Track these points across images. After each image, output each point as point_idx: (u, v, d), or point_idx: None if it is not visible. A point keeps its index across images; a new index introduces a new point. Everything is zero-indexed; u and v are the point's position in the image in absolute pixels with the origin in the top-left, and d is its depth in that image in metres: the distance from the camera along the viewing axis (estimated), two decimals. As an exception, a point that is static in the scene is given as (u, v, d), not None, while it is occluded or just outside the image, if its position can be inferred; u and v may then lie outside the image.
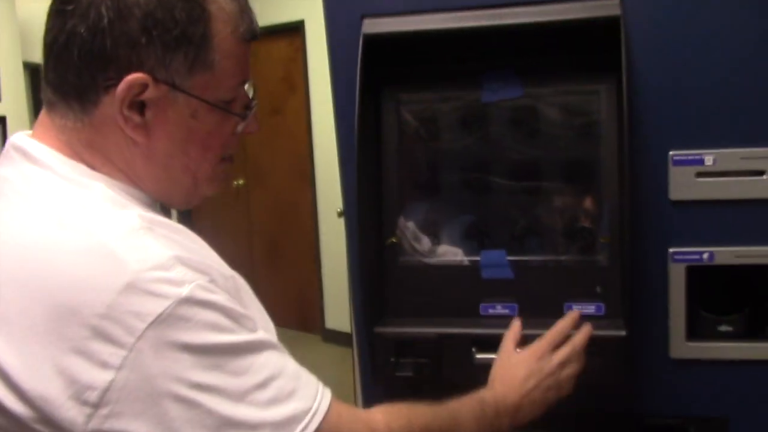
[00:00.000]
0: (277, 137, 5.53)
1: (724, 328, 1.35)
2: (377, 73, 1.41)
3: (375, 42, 1.37)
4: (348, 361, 3.38)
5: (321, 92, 5.04)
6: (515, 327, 1.31)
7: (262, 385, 0.83)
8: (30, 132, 0.92)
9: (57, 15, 0.84)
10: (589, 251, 1.40)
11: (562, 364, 1.24)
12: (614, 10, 1.28)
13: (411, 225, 1.47)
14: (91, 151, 0.88)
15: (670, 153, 1.31)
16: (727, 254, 1.31)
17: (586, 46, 1.36)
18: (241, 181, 5.78)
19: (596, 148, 1.39)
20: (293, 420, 0.84)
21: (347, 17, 1.41)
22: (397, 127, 1.46)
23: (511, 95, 1.41)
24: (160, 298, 0.77)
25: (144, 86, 0.84)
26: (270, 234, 5.73)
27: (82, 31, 0.82)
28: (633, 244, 1.29)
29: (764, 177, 1.28)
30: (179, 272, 0.80)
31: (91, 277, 0.78)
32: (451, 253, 1.46)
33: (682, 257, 1.33)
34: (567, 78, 1.41)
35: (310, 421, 0.85)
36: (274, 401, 0.83)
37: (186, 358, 0.78)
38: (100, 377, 0.76)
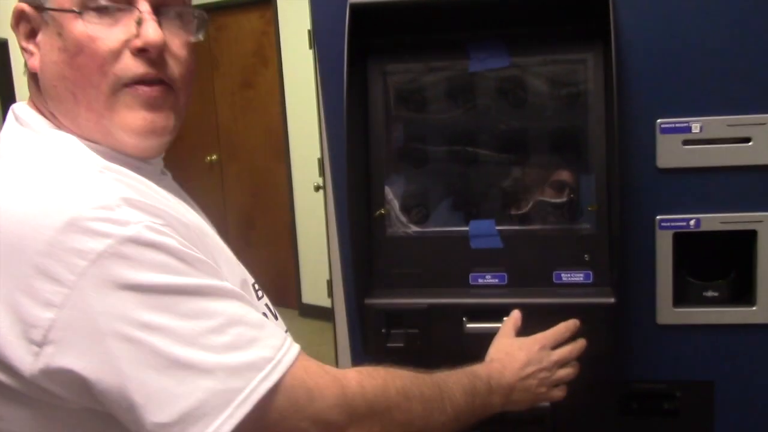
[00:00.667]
0: (249, 112, 5.48)
1: (709, 293, 1.37)
2: (363, 44, 1.39)
3: (361, 12, 1.36)
4: (326, 334, 3.39)
5: (294, 66, 4.99)
6: (515, 315, 1.31)
7: (217, 330, 0.81)
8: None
9: None
10: (576, 220, 1.41)
11: (559, 363, 1.25)
12: (602, -22, 1.28)
13: (398, 197, 1.47)
14: (54, 107, 0.94)
15: (658, 121, 1.32)
16: (712, 220, 1.33)
17: (572, 15, 1.36)
18: (214, 157, 5.73)
19: (583, 117, 1.39)
20: (251, 367, 0.81)
21: (332, -13, 1.39)
22: (384, 98, 1.45)
23: (498, 65, 1.41)
24: (102, 236, 0.77)
25: (22, 12, 0.93)
26: (245, 210, 5.69)
27: None
28: (621, 212, 1.30)
29: (750, 144, 1.30)
30: (124, 212, 0.80)
31: (34, 216, 0.78)
32: (439, 224, 1.46)
33: (669, 224, 1.34)
34: (554, 47, 1.40)
35: (271, 372, 0.82)
36: (231, 347, 0.81)
37: (130, 297, 0.77)
38: (44, 315, 0.76)
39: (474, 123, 1.45)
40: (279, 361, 0.83)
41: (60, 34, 0.90)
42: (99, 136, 0.92)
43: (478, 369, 1.17)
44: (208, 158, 5.72)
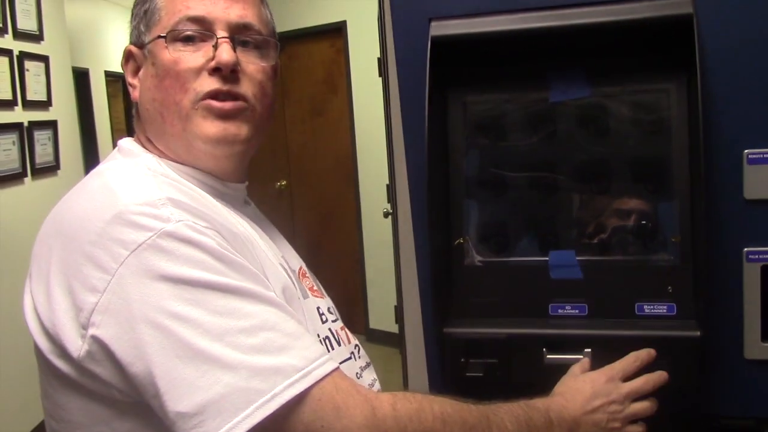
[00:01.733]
0: (319, 139, 5.56)
1: (800, 328, 1.33)
2: (443, 73, 1.41)
3: (442, 44, 1.38)
4: (393, 360, 3.39)
5: (363, 94, 5.06)
6: (584, 361, 1.28)
7: (248, 330, 0.82)
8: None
9: None
10: (659, 251, 1.39)
11: (630, 395, 1.20)
12: (686, 8, 1.27)
13: (477, 225, 1.47)
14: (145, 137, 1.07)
15: (745, 152, 1.30)
16: (803, 253, 1.30)
17: (654, 45, 1.36)
18: (284, 183, 5.82)
19: (666, 146, 1.38)
20: (278, 372, 0.81)
21: (414, 20, 1.41)
22: (463, 127, 1.46)
23: (578, 95, 1.41)
24: (144, 229, 0.83)
25: (130, 54, 1.08)
26: (313, 235, 5.76)
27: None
28: (706, 243, 1.28)
29: (842, 175, 1.27)
30: (167, 210, 0.85)
31: (89, 210, 0.86)
32: (518, 253, 1.46)
33: (757, 256, 1.31)
34: (635, 77, 1.40)
35: (298, 380, 0.82)
36: (260, 350, 0.82)
37: (164, 288, 0.81)
38: (90, 300, 0.82)
39: (554, 151, 1.45)
40: (308, 372, 0.83)
41: (153, 64, 1.03)
42: (182, 151, 1.02)
43: (536, 401, 1.13)
44: (278, 184, 5.82)
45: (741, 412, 1.37)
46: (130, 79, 1.08)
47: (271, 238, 1.09)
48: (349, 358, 1.07)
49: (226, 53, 1.01)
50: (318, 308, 1.08)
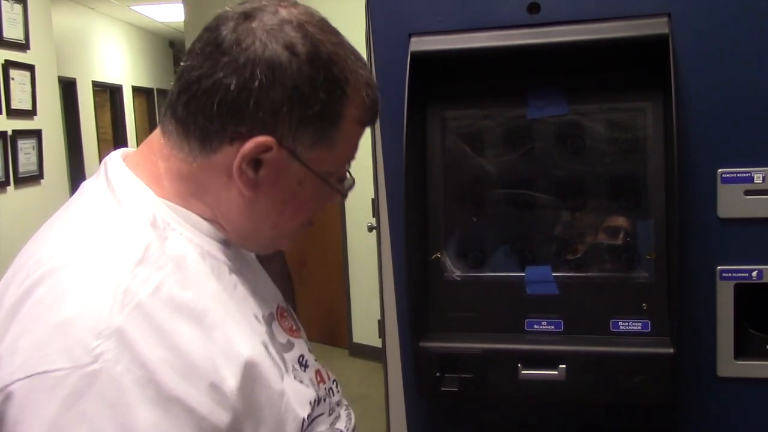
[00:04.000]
0: (305, 152, 5.56)
1: (772, 346, 1.34)
2: (422, 89, 1.42)
3: (422, 59, 1.39)
4: (376, 374, 3.39)
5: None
6: None
7: None
8: (135, 149, 0.95)
9: (208, 58, 0.84)
10: (634, 268, 1.40)
11: None
12: (663, 28, 1.29)
13: (455, 240, 1.48)
14: (187, 185, 0.88)
15: (719, 171, 1.31)
16: (776, 272, 1.31)
17: (632, 63, 1.37)
18: (269, 196, 5.83)
19: (642, 164, 1.39)
20: None
21: (394, 35, 1.42)
22: (442, 142, 1.47)
23: (556, 112, 1.42)
24: (68, 358, 0.74)
25: (269, 149, 0.84)
26: (298, 249, 5.74)
27: (231, 85, 0.82)
28: (680, 261, 1.29)
29: (814, 195, 1.28)
30: (105, 346, 0.75)
31: (46, 297, 0.79)
32: (495, 269, 1.46)
33: (730, 275, 1.32)
34: (612, 95, 1.41)
35: None
36: None
37: None
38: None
39: (531, 168, 1.46)
40: None
41: (301, 184, 0.91)
42: (231, 229, 0.93)
43: None
44: (264, 197, 5.82)
45: (714, 430, 1.38)
46: (245, 167, 0.85)
47: (252, 288, 0.96)
48: (324, 413, 1.00)
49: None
50: (300, 357, 1.01)
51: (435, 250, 1.46)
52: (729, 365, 1.35)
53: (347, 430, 1.05)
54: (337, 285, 5.46)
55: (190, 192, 0.89)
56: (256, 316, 0.92)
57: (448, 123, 1.47)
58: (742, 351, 1.34)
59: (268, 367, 0.87)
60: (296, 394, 0.92)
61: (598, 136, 1.43)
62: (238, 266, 0.94)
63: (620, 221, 1.42)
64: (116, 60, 8.60)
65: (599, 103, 1.42)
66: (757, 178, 1.30)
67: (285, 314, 1.05)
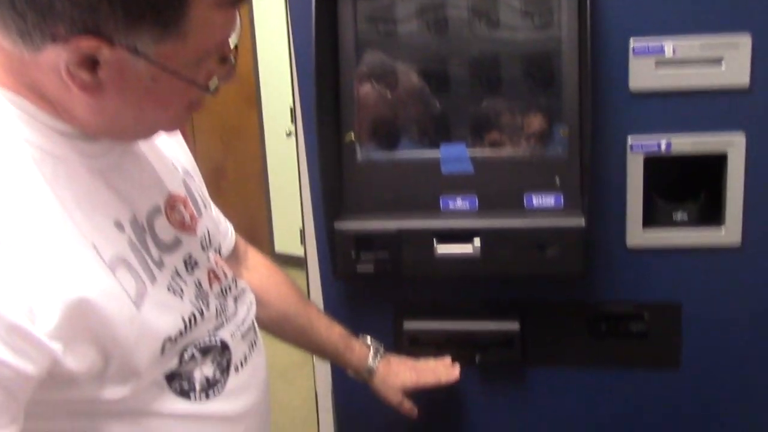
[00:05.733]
0: (219, 58, 5.38)
1: (679, 216, 1.38)
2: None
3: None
4: (299, 282, 3.40)
5: (264, 10, 4.88)
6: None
7: None
8: None
9: None
10: (549, 144, 1.40)
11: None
12: None
13: (369, 122, 1.45)
14: (25, 79, 0.78)
15: (631, 43, 1.30)
16: (683, 143, 1.33)
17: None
18: (183, 105, 5.64)
19: (556, 40, 1.37)
20: None
21: None
22: (354, 23, 1.42)
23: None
24: None
25: (96, 49, 0.73)
26: (215, 159, 5.62)
27: None
28: (592, 135, 1.29)
29: (722, 65, 1.29)
30: None
31: None
32: (410, 149, 1.44)
33: (640, 147, 1.34)
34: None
35: None
36: None
37: None
38: None
39: (445, 46, 1.42)
40: None
41: (155, 80, 0.80)
42: (88, 126, 0.82)
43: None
44: (177, 106, 5.64)
45: (623, 298, 1.42)
46: (74, 70, 0.74)
47: (124, 187, 0.87)
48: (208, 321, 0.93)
49: None
50: (187, 257, 0.93)
51: (348, 133, 1.43)
52: (637, 236, 1.38)
53: (241, 325, 0.99)
54: (258, 195, 5.39)
55: (29, 87, 0.78)
56: (117, 223, 0.83)
57: (358, 4, 1.41)
58: (650, 222, 1.37)
59: (114, 292, 0.78)
60: (162, 311, 0.84)
61: (512, 11, 1.40)
62: (106, 163, 0.85)
63: (534, 98, 1.41)
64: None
65: (513, -23, 1.38)
66: (668, 49, 1.30)
67: (178, 204, 0.95)
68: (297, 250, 4.27)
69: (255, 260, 1.30)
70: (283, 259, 5.17)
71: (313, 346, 1.37)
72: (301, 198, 1.65)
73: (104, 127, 0.82)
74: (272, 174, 5.27)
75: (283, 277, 1.33)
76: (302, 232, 1.53)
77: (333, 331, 1.35)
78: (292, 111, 1.53)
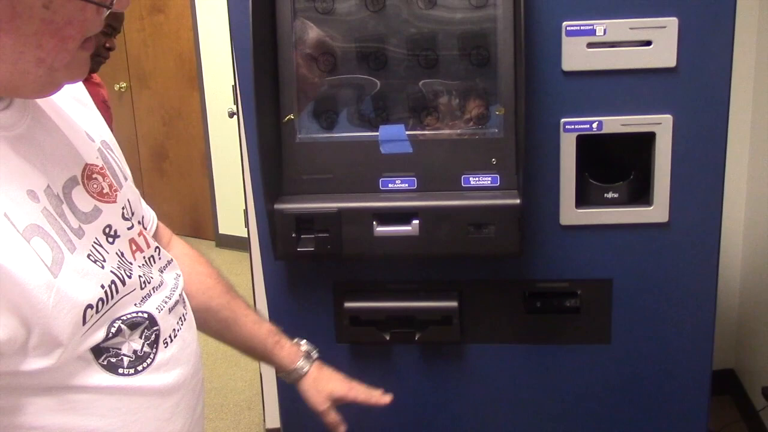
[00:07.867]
0: (159, 38, 5.26)
1: (610, 195, 1.42)
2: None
3: None
4: (243, 264, 3.38)
5: (205, -11, 4.81)
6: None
7: None
8: None
9: None
10: (485, 125, 1.42)
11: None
12: None
13: (308, 102, 1.45)
14: None
15: (564, 24, 1.33)
16: (614, 123, 1.37)
17: None
18: (123, 85, 5.51)
19: (492, 21, 1.39)
20: None
21: None
22: (292, 4, 1.41)
23: None
24: None
25: None
26: (157, 140, 5.52)
27: None
28: (526, 115, 1.32)
29: (651, 47, 1.33)
30: None
31: None
32: (349, 130, 1.45)
33: (573, 127, 1.37)
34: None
35: None
36: None
37: None
38: None
39: (383, 25, 1.43)
40: None
41: (47, 7, 0.78)
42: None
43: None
44: (117, 87, 5.50)
45: (557, 275, 1.46)
46: None
47: (36, 157, 0.86)
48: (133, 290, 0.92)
49: None
50: (107, 228, 0.92)
51: (288, 112, 1.43)
52: (571, 214, 1.41)
53: (168, 299, 0.98)
54: (201, 176, 5.33)
55: None
56: (30, 192, 0.81)
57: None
58: (583, 200, 1.41)
59: (30, 260, 0.77)
60: (81, 279, 0.83)
61: (450, -8, 1.41)
62: (15, 134, 0.83)
63: (471, 78, 1.43)
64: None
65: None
66: (599, 31, 1.33)
67: (95, 175, 0.93)
68: (241, 232, 4.24)
69: (178, 250, 1.22)
70: (228, 241, 5.13)
71: (239, 342, 1.26)
72: (243, 179, 1.65)
73: (6, 77, 0.79)
74: (215, 155, 5.21)
75: (207, 268, 1.22)
76: (245, 213, 1.53)
77: (261, 328, 1.24)
78: (234, 90, 1.52)
